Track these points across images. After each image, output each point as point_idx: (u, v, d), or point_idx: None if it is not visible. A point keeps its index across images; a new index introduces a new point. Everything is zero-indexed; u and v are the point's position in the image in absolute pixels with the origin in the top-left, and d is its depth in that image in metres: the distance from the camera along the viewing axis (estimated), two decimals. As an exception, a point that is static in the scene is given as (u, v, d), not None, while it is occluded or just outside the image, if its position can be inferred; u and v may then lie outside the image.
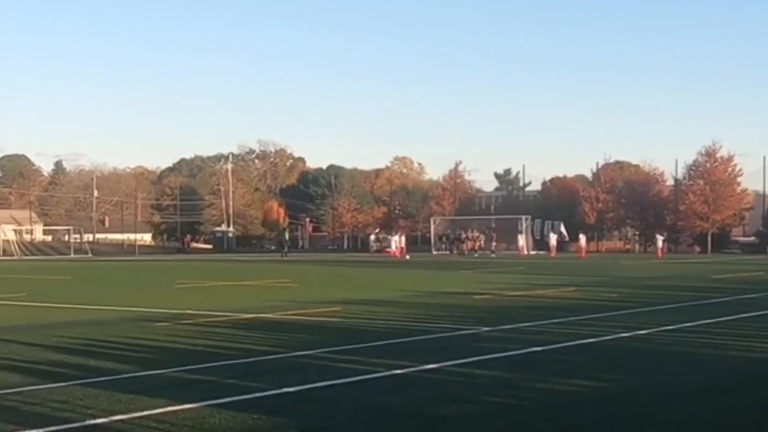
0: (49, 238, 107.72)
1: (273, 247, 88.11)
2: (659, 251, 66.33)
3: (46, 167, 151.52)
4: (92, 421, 8.39)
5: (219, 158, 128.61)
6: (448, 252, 70.57)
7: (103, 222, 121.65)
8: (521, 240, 70.49)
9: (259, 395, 9.70)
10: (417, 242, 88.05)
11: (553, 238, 69.67)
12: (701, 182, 78.25)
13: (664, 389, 10.12)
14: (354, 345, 13.78)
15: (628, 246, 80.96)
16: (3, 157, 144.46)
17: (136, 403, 9.23)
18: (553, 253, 66.71)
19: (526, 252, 68.73)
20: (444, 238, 75.71)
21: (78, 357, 12.69)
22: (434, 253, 72.30)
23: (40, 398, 9.55)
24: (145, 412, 8.73)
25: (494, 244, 70.45)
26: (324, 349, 13.31)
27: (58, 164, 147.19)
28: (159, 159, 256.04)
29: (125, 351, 13.42)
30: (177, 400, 9.26)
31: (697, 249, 76.43)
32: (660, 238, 69.47)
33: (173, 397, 9.49)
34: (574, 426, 8.31)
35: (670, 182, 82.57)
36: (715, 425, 8.34)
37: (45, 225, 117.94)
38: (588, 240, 72.49)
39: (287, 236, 76.84)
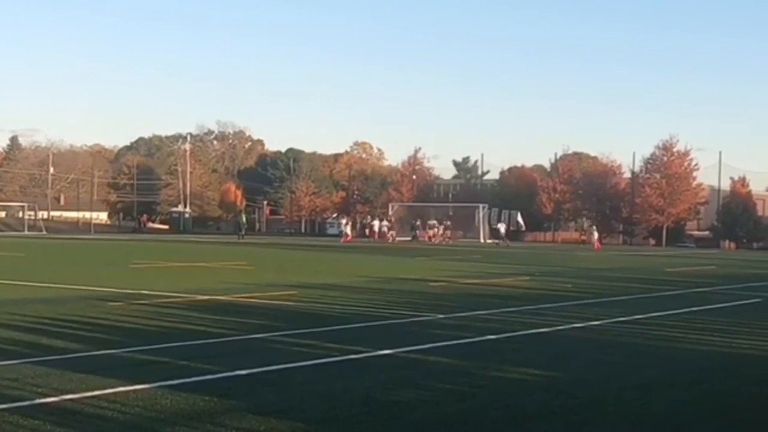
0: (2, 214, 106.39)
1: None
2: (596, 243, 67.24)
3: (1, 142, 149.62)
4: (42, 400, 8.32)
5: (177, 138, 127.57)
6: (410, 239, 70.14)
7: (58, 200, 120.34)
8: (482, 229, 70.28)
9: (212, 377, 9.68)
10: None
11: (502, 227, 69.19)
12: (658, 176, 78.91)
13: (615, 380, 10.23)
14: (309, 329, 13.78)
15: (583, 237, 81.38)
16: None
17: (88, 382, 9.16)
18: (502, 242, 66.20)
19: (483, 240, 68.51)
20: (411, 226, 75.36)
21: (29, 335, 12.56)
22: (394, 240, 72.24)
23: (-10, 376, 9.45)
24: (97, 392, 8.67)
25: (449, 232, 70.32)
26: (278, 332, 13.30)
27: (13, 139, 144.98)
28: (116, 137, 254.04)
29: (78, 330, 13.31)
30: (129, 381, 9.20)
31: (652, 242, 77.19)
32: (595, 230, 70.76)
33: (125, 377, 9.43)
34: (525, 414, 8.37)
35: (628, 175, 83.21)
36: (663, 417, 8.43)
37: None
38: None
39: (244, 219, 76.48)
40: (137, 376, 9.47)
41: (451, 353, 11.85)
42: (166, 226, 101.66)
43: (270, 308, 17.05)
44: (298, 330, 13.61)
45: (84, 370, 9.79)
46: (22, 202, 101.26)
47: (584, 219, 77.86)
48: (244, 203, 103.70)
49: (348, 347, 11.86)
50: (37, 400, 8.31)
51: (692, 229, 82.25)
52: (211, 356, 11.06)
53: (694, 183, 79.47)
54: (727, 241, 73.64)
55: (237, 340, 12.51)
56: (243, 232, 70.72)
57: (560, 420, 8.24)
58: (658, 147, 79.90)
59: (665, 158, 79.27)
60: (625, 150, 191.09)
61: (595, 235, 69.94)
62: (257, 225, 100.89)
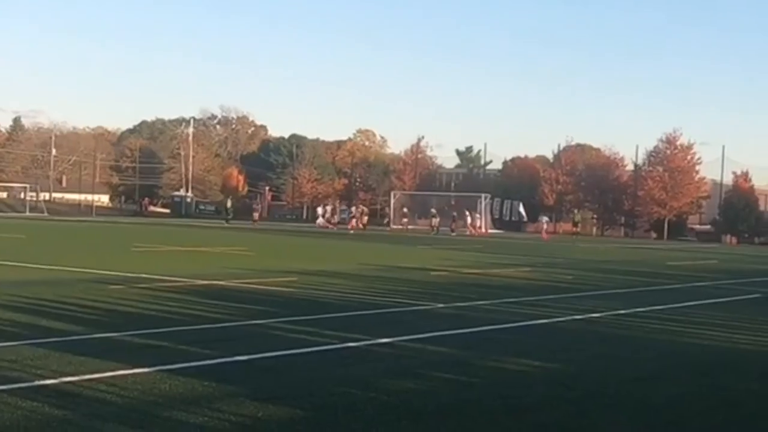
0: (4, 195, 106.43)
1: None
2: (544, 233, 66.27)
3: (4, 123, 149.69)
4: (41, 382, 8.32)
5: (180, 122, 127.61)
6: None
7: (60, 181, 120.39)
8: (475, 219, 68.61)
9: (211, 362, 9.67)
10: (376, 216, 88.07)
11: (545, 220, 68.96)
12: (660, 169, 78.79)
13: (615, 373, 10.23)
14: (308, 316, 13.78)
15: (576, 229, 79.82)
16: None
17: (87, 365, 9.16)
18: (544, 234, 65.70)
19: (476, 231, 66.84)
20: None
21: (29, 316, 12.56)
22: (393, 227, 72.10)
23: (-11, 357, 9.45)
24: (95, 375, 8.67)
25: (453, 223, 69.25)
26: (278, 319, 13.31)
27: (16, 120, 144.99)
28: (120, 120, 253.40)
29: (77, 312, 13.31)
30: (128, 364, 9.20)
31: (654, 235, 77.12)
32: (544, 219, 69.65)
33: (124, 360, 9.43)
34: (523, 405, 8.36)
35: (630, 167, 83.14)
36: (663, 410, 8.42)
37: (0, 182, 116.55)
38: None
39: (229, 203, 77.22)
40: (136, 360, 9.47)
41: (450, 343, 11.84)
42: (167, 210, 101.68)
43: (270, 294, 17.06)
44: (298, 317, 13.61)
45: (83, 353, 9.78)
46: (24, 183, 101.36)
47: (575, 210, 76.39)
48: (246, 188, 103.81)
49: (347, 335, 11.84)
50: (36, 382, 8.31)
51: (694, 223, 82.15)
52: (210, 341, 11.05)
53: (697, 177, 79.31)
54: (728, 236, 73.53)
55: (236, 326, 12.50)
56: (231, 216, 71.79)
57: (558, 411, 8.24)
58: (661, 140, 79.80)
59: (668, 152, 79.12)
60: (628, 142, 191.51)
61: (544, 225, 68.56)
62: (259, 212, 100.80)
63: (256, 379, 8.96)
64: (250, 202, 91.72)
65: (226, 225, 64.69)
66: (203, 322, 12.76)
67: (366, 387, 8.76)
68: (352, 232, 59.82)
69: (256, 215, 75.09)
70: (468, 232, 63.49)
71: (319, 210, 76.34)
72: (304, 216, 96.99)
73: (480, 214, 70.48)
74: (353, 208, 72.79)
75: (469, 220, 66.47)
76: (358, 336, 11.81)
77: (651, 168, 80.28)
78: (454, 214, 67.77)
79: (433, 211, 67.98)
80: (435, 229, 64.86)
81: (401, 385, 8.96)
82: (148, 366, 9.16)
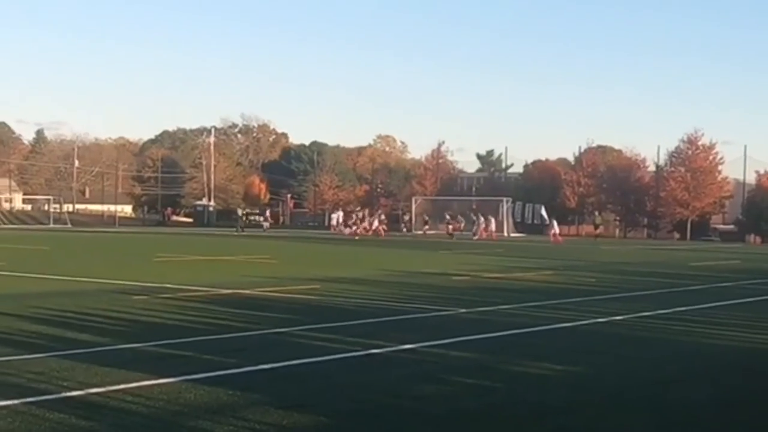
0: (28, 207, 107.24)
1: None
2: (552, 236, 61.79)
3: (27, 136, 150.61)
4: (67, 394, 8.42)
5: (202, 131, 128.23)
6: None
7: (83, 192, 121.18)
8: (490, 222, 66.24)
9: (235, 371, 9.74)
10: (398, 221, 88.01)
11: (555, 224, 66.57)
12: (682, 169, 78.45)
13: (637, 375, 10.25)
14: (331, 323, 13.83)
15: (598, 231, 76.88)
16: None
17: (112, 376, 9.26)
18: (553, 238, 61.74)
19: (488, 234, 63.95)
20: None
21: (54, 328, 12.69)
22: (415, 232, 71.69)
23: (16, 369, 9.56)
24: (121, 386, 8.76)
25: (475, 226, 67.95)
26: (301, 326, 13.38)
27: (39, 133, 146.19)
28: (141, 130, 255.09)
29: (102, 323, 13.42)
30: (153, 375, 9.29)
31: (677, 236, 76.76)
32: (554, 222, 65.11)
33: (149, 371, 9.51)
34: (545, 409, 8.40)
35: (652, 168, 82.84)
36: (683, 413, 8.44)
37: (25, 194, 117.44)
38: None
39: (240, 213, 79.66)
40: (161, 370, 9.55)
41: (473, 348, 11.88)
42: (190, 220, 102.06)
43: (293, 302, 17.14)
44: (321, 324, 13.67)
45: (108, 364, 9.88)
46: (47, 195, 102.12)
47: (596, 212, 74.25)
48: (268, 196, 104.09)
49: (370, 341, 11.90)
50: (63, 394, 8.41)
51: (717, 222, 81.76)
52: (234, 350, 11.13)
53: (719, 177, 78.90)
54: (752, 236, 73.11)
55: (260, 335, 12.57)
56: (242, 225, 73.43)
57: (580, 415, 8.27)
58: (682, 140, 79.42)
59: (690, 152, 78.74)
60: (649, 143, 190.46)
61: (555, 228, 63.99)
62: (281, 218, 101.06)
63: (280, 387, 9.03)
64: (273, 211, 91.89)
65: (236, 234, 65.00)
66: (226, 331, 12.85)
67: (390, 393, 8.82)
68: (357, 238, 59.24)
69: (266, 224, 75.85)
70: (476, 237, 62.39)
71: (334, 216, 75.83)
72: (326, 223, 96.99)
73: (501, 217, 70.13)
74: (361, 213, 72.22)
75: (482, 224, 65.17)
76: (380, 342, 11.87)
77: (673, 168, 79.95)
78: (474, 218, 67.13)
79: (448, 216, 67.65)
80: (451, 234, 64.29)
81: (424, 390, 9.02)
82: (173, 376, 9.25)
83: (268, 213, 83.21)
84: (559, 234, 64.03)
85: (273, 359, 10.37)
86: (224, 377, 9.36)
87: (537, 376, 10.08)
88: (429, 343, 12.00)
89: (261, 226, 75.54)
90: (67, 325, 13.10)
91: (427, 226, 71.12)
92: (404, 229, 72.58)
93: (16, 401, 8.02)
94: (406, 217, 74.68)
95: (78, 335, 12.07)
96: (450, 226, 65.61)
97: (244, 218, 77.12)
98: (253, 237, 57.69)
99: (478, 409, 8.34)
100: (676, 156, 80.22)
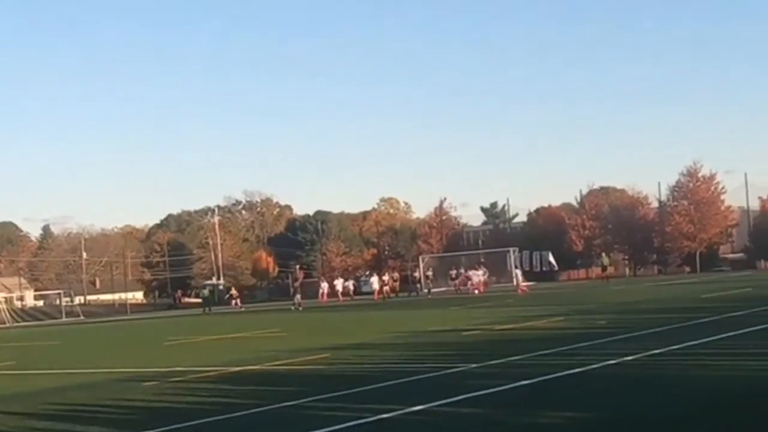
0: (40, 303, 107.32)
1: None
2: (519, 287, 56.69)
3: (34, 232, 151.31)
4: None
5: (206, 212, 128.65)
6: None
7: (93, 283, 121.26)
8: (479, 275, 63.25)
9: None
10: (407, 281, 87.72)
11: (518, 274, 64.93)
12: (685, 202, 78.58)
13: (650, 416, 10.15)
14: (341, 392, 13.72)
15: (606, 273, 74.53)
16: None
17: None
18: (519, 290, 56.63)
19: (480, 288, 61.36)
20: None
21: (64, 423, 12.64)
22: (424, 291, 70.88)
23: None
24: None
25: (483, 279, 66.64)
26: (310, 398, 13.28)
27: (45, 228, 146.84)
28: (146, 216, 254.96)
29: (112, 414, 13.37)
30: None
31: (687, 269, 76.52)
32: (518, 272, 61.18)
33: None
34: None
35: (655, 204, 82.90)
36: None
37: (36, 290, 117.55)
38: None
39: (206, 293, 75.24)
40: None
41: (484, 403, 11.79)
42: (201, 300, 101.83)
43: (302, 374, 17.06)
44: (330, 393, 13.57)
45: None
46: (58, 289, 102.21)
47: (602, 254, 72.25)
48: (276, 269, 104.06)
49: (380, 406, 11.81)
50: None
51: (726, 252, 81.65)
52: (243, 429, 11.06)
53: (723, 206, 78.92)
54: (762, 261, 72.88)
55: (268, 410, 12.48)
56: (209, 306, 68.14)
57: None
58: (682, 174, 79.69)
59: (691, 184, 78.92)
60: (649, 180, 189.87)
61: (520, 277, 59.87)
62: (291, 290, 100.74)
63: (289, 462, 8.95)
64: (283, 283, 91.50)
65: (203, 314, 62.22)
66: (236, 409, 12.74)
67: (399, 458, 8.74)
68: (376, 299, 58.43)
69: (298, 296, 61.91)
70: (470, 291, 61.10)
71: (373, 280, 74.89)
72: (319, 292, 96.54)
73: (510, 268, 69.26)
74: (373, 278, 72.05)
75: (475, 278, 63.58)
76: (390, 406, 11.77)
77: (676, 203, 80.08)
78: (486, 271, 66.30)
79: (452, 273, 67.48)
80: (458, 288, 63.92)
81: (434, 451, 8.94)
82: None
83: (233, 290, 78.93)
84: (525, 283, 60.09)
85: (282, 434, 10.30)
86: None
87: (549, 426, 10.01)
88: (439, 402, 11.90)
89: (230, 304, 72.10)
90: (76, 418, 13.04)
91: (431, 283, 70.29)
92: (419, 290, 71.33)
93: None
94: (416, 275, 74.08)
95: (87, 428, 12.04)
96: (457, 282, 65.33)
97: (214, 296, 72.33)
98: (262, 312, 57.50)
99: (488, 465, 8.27)
100: (677, 190, 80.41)
